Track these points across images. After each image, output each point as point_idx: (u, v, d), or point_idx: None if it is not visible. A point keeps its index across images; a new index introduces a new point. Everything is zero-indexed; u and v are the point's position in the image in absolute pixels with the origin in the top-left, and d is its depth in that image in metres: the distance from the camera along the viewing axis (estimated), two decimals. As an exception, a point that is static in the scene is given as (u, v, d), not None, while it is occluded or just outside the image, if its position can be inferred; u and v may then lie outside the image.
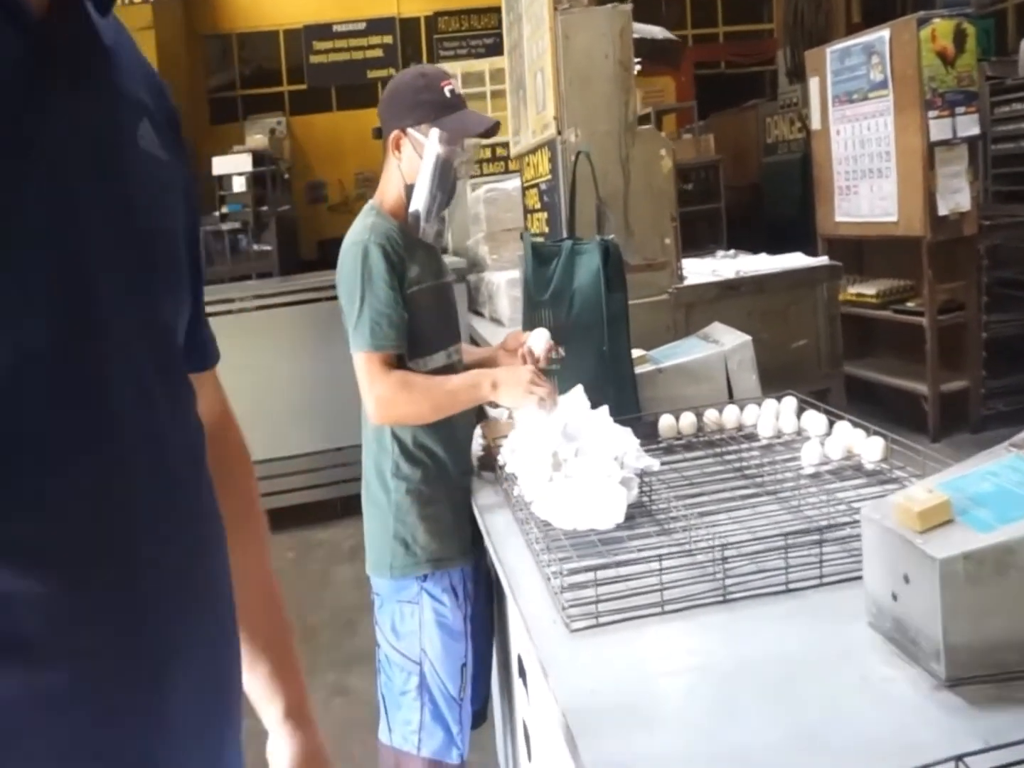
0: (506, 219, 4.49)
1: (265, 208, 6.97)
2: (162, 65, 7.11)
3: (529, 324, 1.79)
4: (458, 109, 1.67)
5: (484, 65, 5.83)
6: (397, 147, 1.67)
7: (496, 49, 8.82)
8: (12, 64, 0.54)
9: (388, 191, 1.71)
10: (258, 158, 7.25)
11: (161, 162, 0.67)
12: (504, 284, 3.90)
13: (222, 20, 8.70)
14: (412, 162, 1.66)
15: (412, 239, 1.67)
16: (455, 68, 5.87)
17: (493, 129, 1.76)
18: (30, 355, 0.51)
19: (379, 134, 1.73)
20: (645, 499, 1.34)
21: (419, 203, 1.64)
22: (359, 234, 1.62)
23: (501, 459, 1.54)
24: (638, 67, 3.36)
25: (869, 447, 1.36)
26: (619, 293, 1.76)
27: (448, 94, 1.67)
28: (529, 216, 3.43)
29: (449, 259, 4.81)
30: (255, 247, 6.74)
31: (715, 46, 9.79)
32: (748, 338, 1.79)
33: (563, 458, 1.33)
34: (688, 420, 1.62)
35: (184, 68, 8.26)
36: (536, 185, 3.24)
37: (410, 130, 1.65)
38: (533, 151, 3.30)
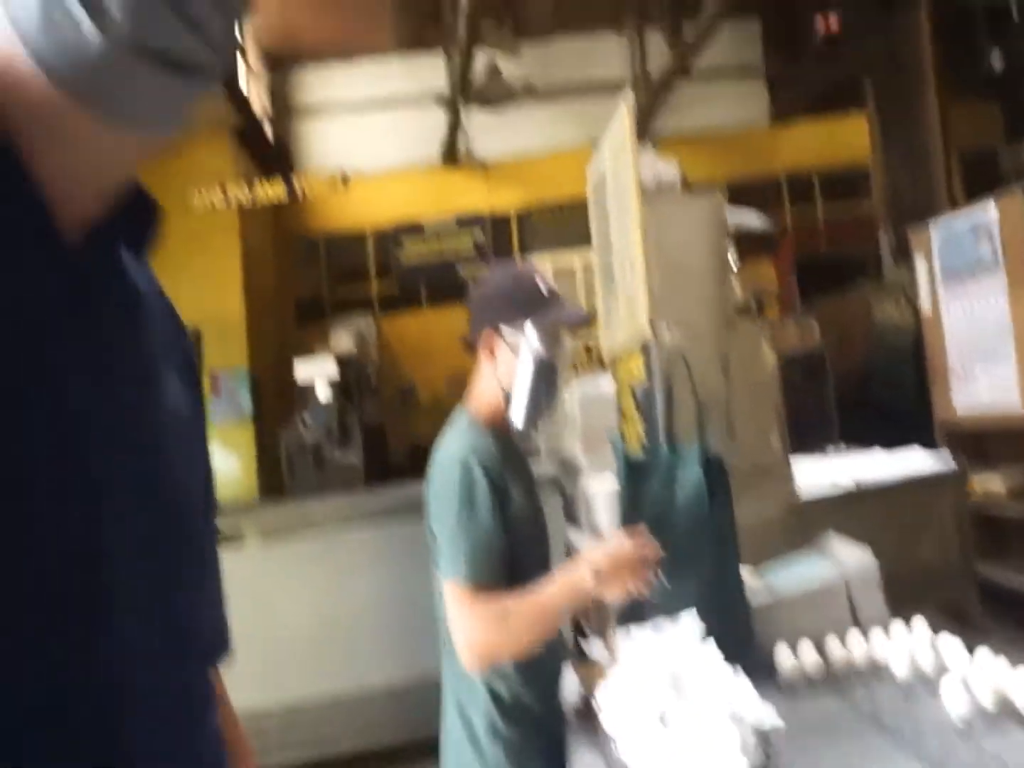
0: (604, 421, 4.55)
1: (351, 415, 7.16)
2: (249, 267, 7.78)
3: None
4: (552, 303, 1.68)
5: (574, 258, 6.16)
6: (491, 350, 1.67)
7: (587, 242, 9.34)
8: (46, 301, 0.57)
9: (483, 398, 1.70)
10: (344, 362, 7.56)
11: (183, 419, 0.71)
12: (603, 493, 3.91)
13: (311, 223, 9.54)
14: (508, 365, 1.65)
15: (509, 450, 1.67)
16: (545, 263, 6.23)
17: (587, 319, 1.79)
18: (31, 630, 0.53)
19: (469, 342, 1.73)
20: (765, 758, 1.27)
21: (521, 411, 1.64)
22: (459, 451, 1.59)
23: (600, 711, 1.47)
24: (735, 259, 3.43)
25: (1019, 685, 1.28)
26: (725, 509, 1.75)
27: (540, 288, 1.68)
28: (623, 420, 3.47)
29: (542, 467, 4.86)
30: (340, 457, 6.87)
31: (814, 228, 10.12)
32: (872, 561, 1.74)
33: (671, 717, 1.28)
34: (809, 655, 1.56)
35: (271, 270, 9.02)
36: (632, 390, 3.30)
37: (504, 329, 1.65)
38: (626, 352, 3.39)
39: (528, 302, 1.65)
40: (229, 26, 0.59)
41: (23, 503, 0.53)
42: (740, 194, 9.69)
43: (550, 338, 1.64)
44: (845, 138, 9.54)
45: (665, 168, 3.93)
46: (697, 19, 7.15)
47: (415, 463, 9.24)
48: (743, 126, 9.93)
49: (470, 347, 1.72)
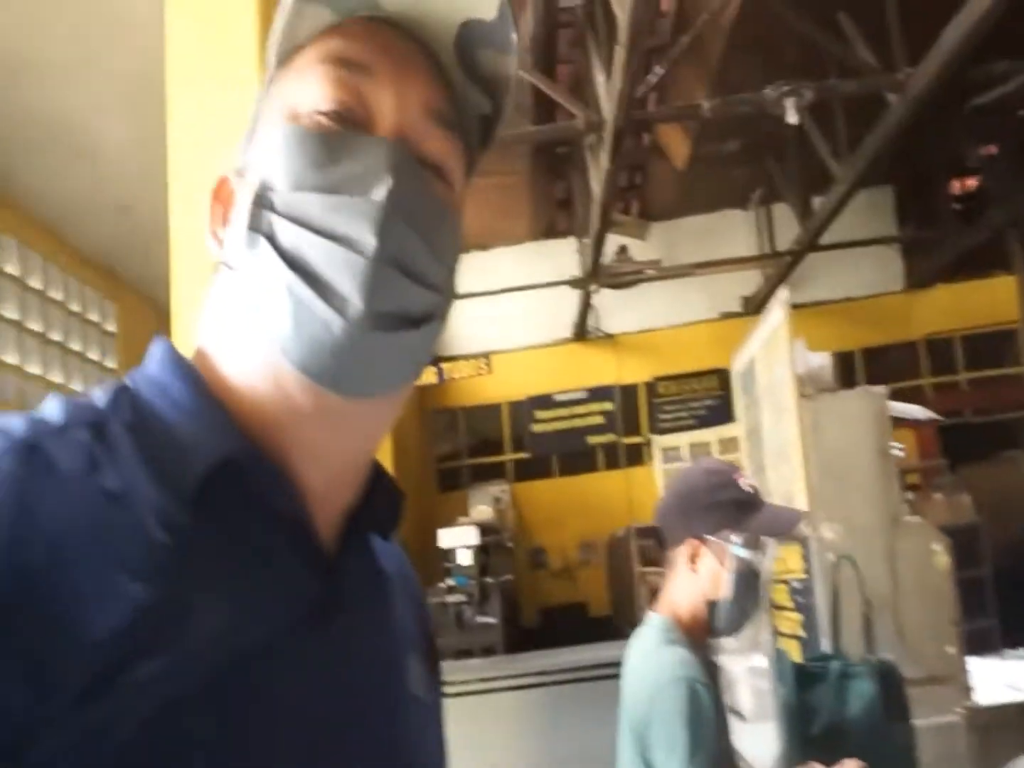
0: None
1: (489, 579, 7.44)
2: (396, 439, 8.19)
3: (790, 761, 1.66)
4: (759, 506, 1.60)
5: (711, 436, 6.26)
6: (692, 557, 1.60)
7: (717, 413, 9.46)
8: (308, 606, 0.59)
9: (682, 605, 1.62)
10: (483, 529, 7.87)
11: (423, 703, 0.71)
12: (744, 672, 3.83)
13: (450, 398, 10.04)
14: (714, 575, 1.58)
15: (707, 663, 1.60)
16: (680, 439, 6.35)
17: (799, 521, 1.69)
18: None
19: (661, 542, 1.68)
20: None
21: (726, 622, 1.58)
22: (675, 668, 1.50)
23: None
24: (899, 452, 3.44)
25: None
26: (904, 724, 1.70)
27: (747, 489, 1.61)
28: (777, 614, 3.44)
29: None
30: (479, 619, 7.13)
31: (958, 393, 9.90)
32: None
33: None
34: None
35: (414, 440, 9.49)
36: (786, 582, 3.29)
37: (709, 539, 1.59)
38: (780, 544, 3.41)
39: (734, 507, 1.58)
40: (450, 270, 0.63)
41: None
42: (875, 360, 9.72)
43: (757, 544, 1.58)
44: (987, 299, 9.46)
45: (817, 360, 4.04)
46: (828, 192, 7.33)
47: (545, 624, 9.32)
48: (877, 293, 9.97)
49: (662, 545, 1.68)
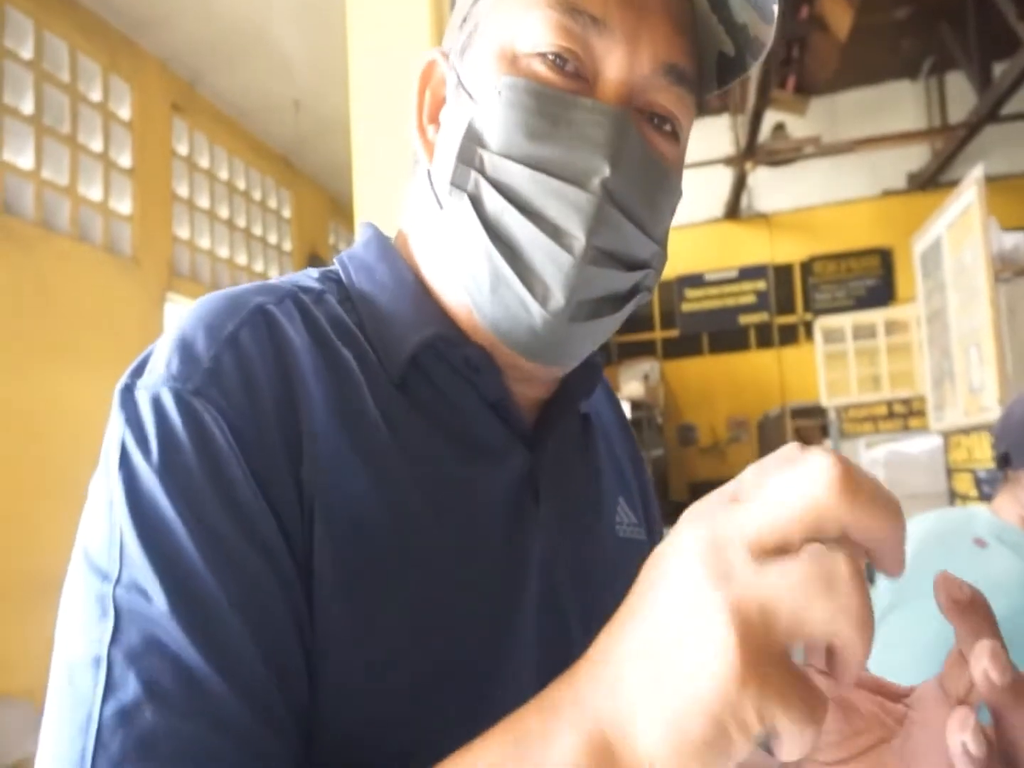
0: (911, 484, 4.42)
1: (641, 453, 7.58)
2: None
3: None
4: None
5: (877, 317, 6.04)
6: None
7: (877, 294, 9.06)
8: (518, 476, 0.61)
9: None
10: (633, 405, 7.93)
11: (635, 543, 0.72)
12: None
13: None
14: None
15: None
16: (844, 320, 6.15)
17: None
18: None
19: (1005, 461, 1.55)
20: None
21: None
22: None
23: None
24: None
25: None
26: None
27: None
28: (961, 501, 3.41)
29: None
30: (633, 492, 7.28)
31: None
32: None
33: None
34: None
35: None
36: (971, 470, 3.25)
37: None
38: (965, 432, 3.34)
39: None
40: (664, 231, 0.61)
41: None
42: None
43: None
44: None
45: (1011, 240, 3.82)
46: (1012, 59, 6.66)
47: (695, 500, 9.34)
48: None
49: (1004, 463, 1.56)
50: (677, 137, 0.60)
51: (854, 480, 0.32)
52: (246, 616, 0.46)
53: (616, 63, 0.55)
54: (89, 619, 0.46)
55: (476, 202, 0.56)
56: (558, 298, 0.54)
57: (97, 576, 0.46)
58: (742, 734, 0.31)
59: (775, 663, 0.31)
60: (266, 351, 0.52)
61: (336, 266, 0.64)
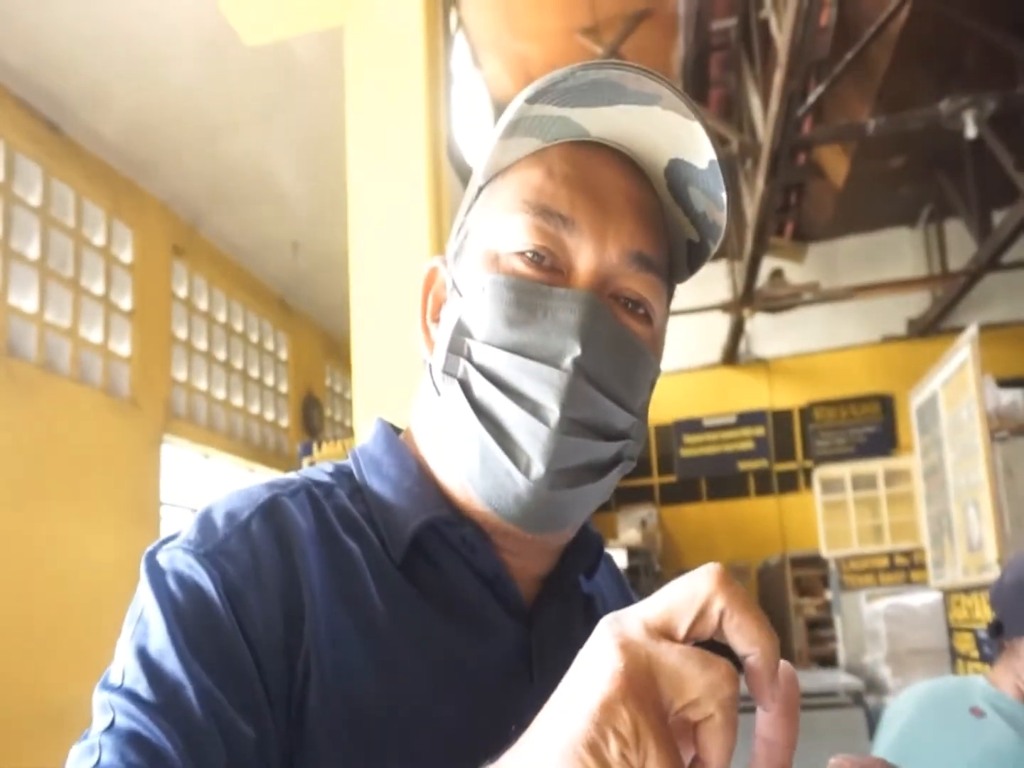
0: (912, 639, 4.22)
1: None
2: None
3: None
4: None
5: (877, 467, 5.90)
6: None
7: (879, 441, 8.93)
8: (512, 651, 0.63)
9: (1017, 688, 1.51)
10: (631, 552, 7.72)
11: None
12: None
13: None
14: None
15: None
16: (843, 470, 6.01)
17: None
18: None
19: (998, 630, 1.55)
20: None
21: None
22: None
23: None
24: None
25: None
26: None
27: None
28: (962, 660, 3.20)
29: (842, 678, 4.56)
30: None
31: None
32: None
33: None
34: None
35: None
36: (971, 630, 3.07)
37: None
38: (966, 591, 3.16)
39: None
40: (643, 403, 0.65)
41: None
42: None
43: None
44: None
45: (1007, 397, 3.74)
46: (1011, 208, 6.66)
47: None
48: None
49: (996, 632, 1.56)
50: (650, 319, 0.65)
51: (732, 581, 0.40)
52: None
53: (586, 255, 0.62)
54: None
55: (465, 386, 0.62)
56: (539, 467, 0.58)
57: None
58: (617, 742, 0.36)
59: (654, 705, 0.37)
60: (274, 536, 0.59)
61: (349, 460, 0.70)
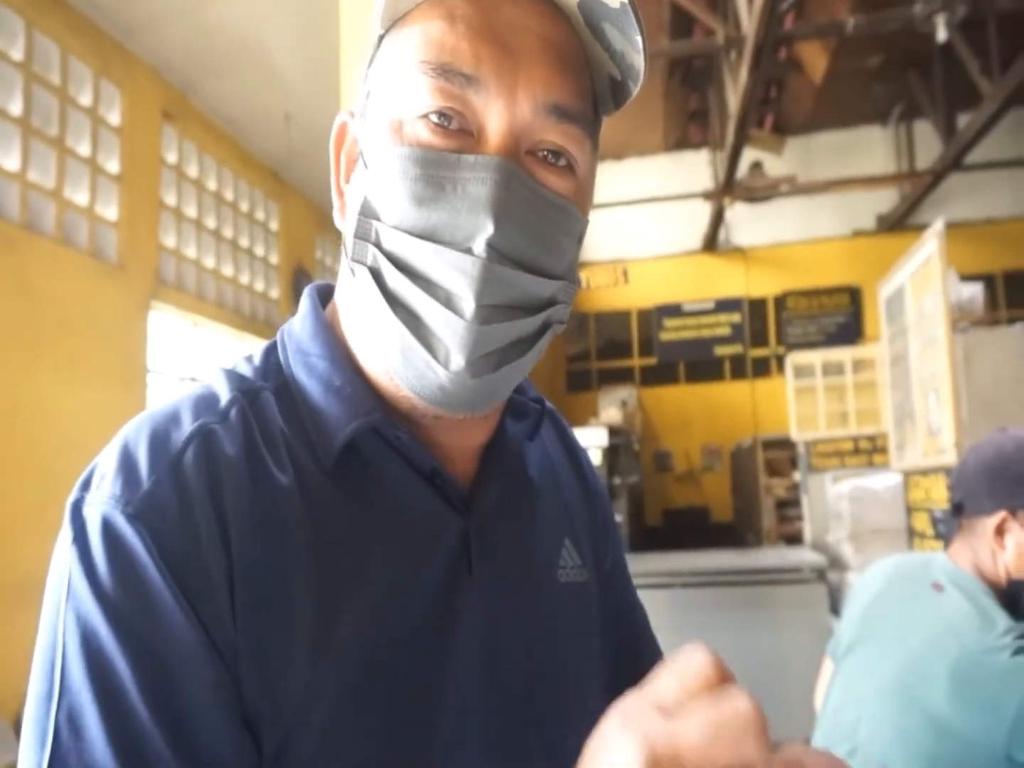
0: (872, 518, 4.39)
1: (617, 480, 7.46)
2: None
3: None
4: None
5: (845, 355, 6.00)
6: (1000, 532, 1.45)
7: (847, 331, 9.05)
8: (454, 544, 0.61)
9: (985, 572, 1.49)
10: (611, 431, 7.83)
11: (576, 586, 0.71)
12: None
13: (582, 303, 9.92)
14: (1021, 553, 1.44)
15: None
16: (814, 357, 6.11)
17: None
18: None
19: (959, 510, 1.54)
20: None
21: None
22: (997, 639, 1.35)
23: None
24: None
25: None
26: None
27: None
28: (918, 538, 3.35)
29: (807, 555, 4.76)
30: (607, 518, 7.18)
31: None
32: None
33: None
34: None
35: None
36: (927, 509, 3.20)
37: (1021, 513, 1.44)
38: (923, 473, 3.28)
39: None
40: (569, 264, 0.62)
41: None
42: (1019, 285, 9.02)
43: None
44: None
45: (968, 291, 3.78)
46: (975, 111, 6.70)
47: (669, 527, 9.36)
48: (1020, 216, 9.18)
49: (957, 512, 1.55)
50: (573, 169, 0.60)
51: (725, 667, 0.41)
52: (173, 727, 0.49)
53: (496, 115, 0.56)
54: (31, 743, 0.49)
55: (376, 275, 0.57)
56: (458, 359, 0.55)
57: (43, 694, 0.49)
58: None
59: None
60: (205, 479, 0.53)
61: (278, 342, 0.66)
